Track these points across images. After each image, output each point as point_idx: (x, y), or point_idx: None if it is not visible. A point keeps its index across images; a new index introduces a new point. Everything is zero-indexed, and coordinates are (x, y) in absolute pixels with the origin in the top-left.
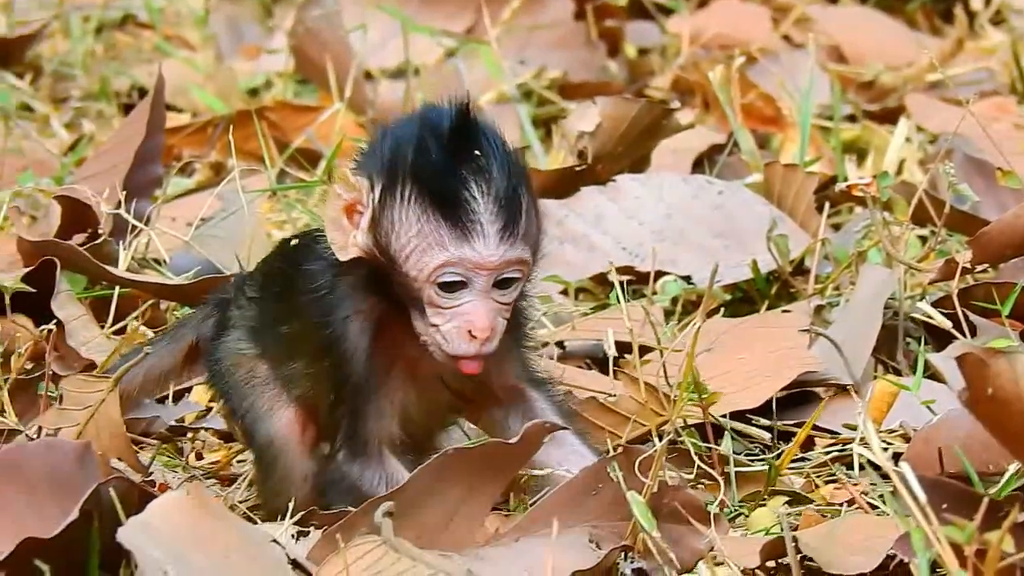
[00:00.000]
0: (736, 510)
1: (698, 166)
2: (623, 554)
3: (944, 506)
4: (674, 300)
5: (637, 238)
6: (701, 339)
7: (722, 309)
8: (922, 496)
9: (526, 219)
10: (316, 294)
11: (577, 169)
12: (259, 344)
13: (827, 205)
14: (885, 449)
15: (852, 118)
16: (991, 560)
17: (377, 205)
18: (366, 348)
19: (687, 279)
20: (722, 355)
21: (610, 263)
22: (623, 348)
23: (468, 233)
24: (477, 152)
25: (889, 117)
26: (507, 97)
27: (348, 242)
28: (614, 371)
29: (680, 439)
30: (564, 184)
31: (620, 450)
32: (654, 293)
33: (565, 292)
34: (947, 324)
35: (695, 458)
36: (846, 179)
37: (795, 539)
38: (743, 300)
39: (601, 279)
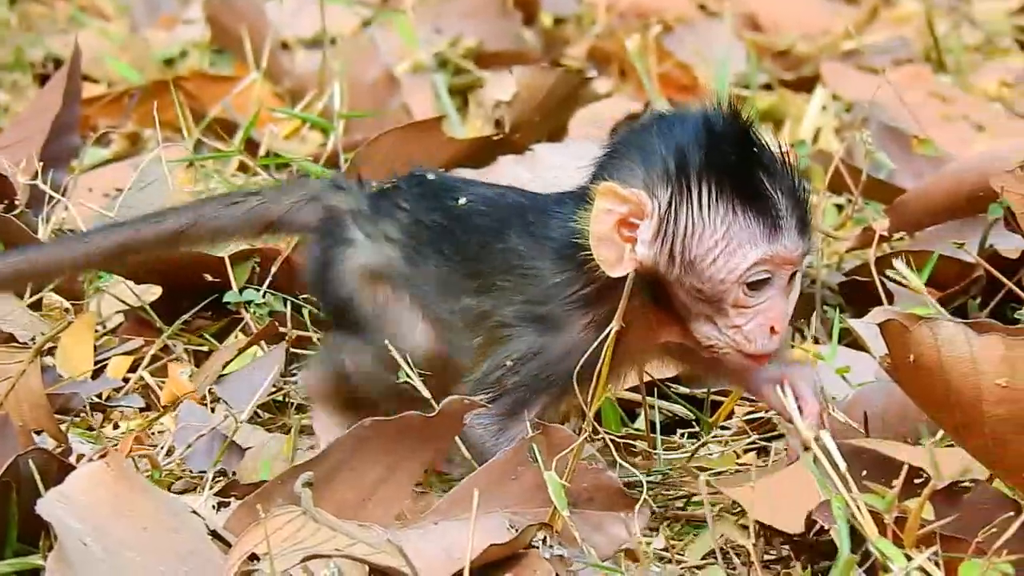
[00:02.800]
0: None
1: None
2: (543, 539)
3: (864, 473)
4: None
5: None
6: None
7: None
8: (842, 463)
9: (810, 210)
10: (543, 278)
11: (494, 138)
12: (414, 268)
13: None
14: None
15: (768, 87)
16: (910, 528)
17: (666, 213)
18: (583, 345)
19: None
20: None
21: None
22: None
23: (777, 228)
24: (758, 150)
25: (805, 85)
26: (423, 66)
27: (623, 256)
28: None
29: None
30: (481, 153)
31: (540, 431)
32: None
33: None
34: (921, 286)
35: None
36: None
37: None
38: None
39: None
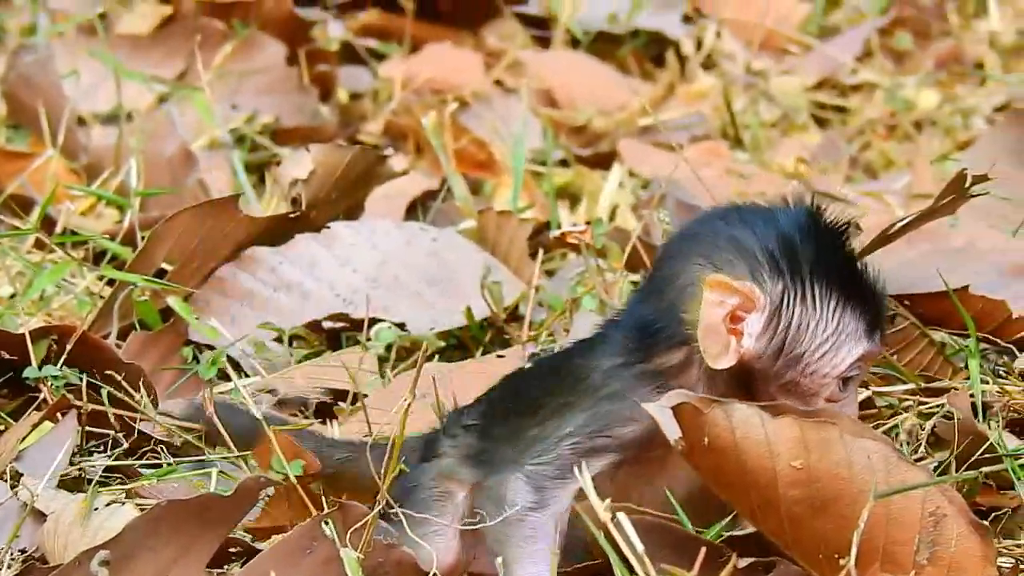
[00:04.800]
0: None
1: (412, 212)
2: None
3: (663, 552)
4: (388, 347)
5: (351, 285)
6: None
7: (436, 356)
8: (639, 544)
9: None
10: (607, 375)
11: (291, 216)
12: (477, 465)
13: (541, 251)
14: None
15: (564, 163)
16: None
17: (778, 306)
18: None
19: (401, 326)
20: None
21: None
22: (338, 395)
23: (876, 325)
24: (846, 247)
25: (602, 162)
26: (219, 143)
27: (729, 348)
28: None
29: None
30: (278, 231)
31: (336, 507)
32: (368, 340)
33: (279, 339)
34: None
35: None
36: (559, 225)
37: None
38: (457, 347)
39: (315, 326)
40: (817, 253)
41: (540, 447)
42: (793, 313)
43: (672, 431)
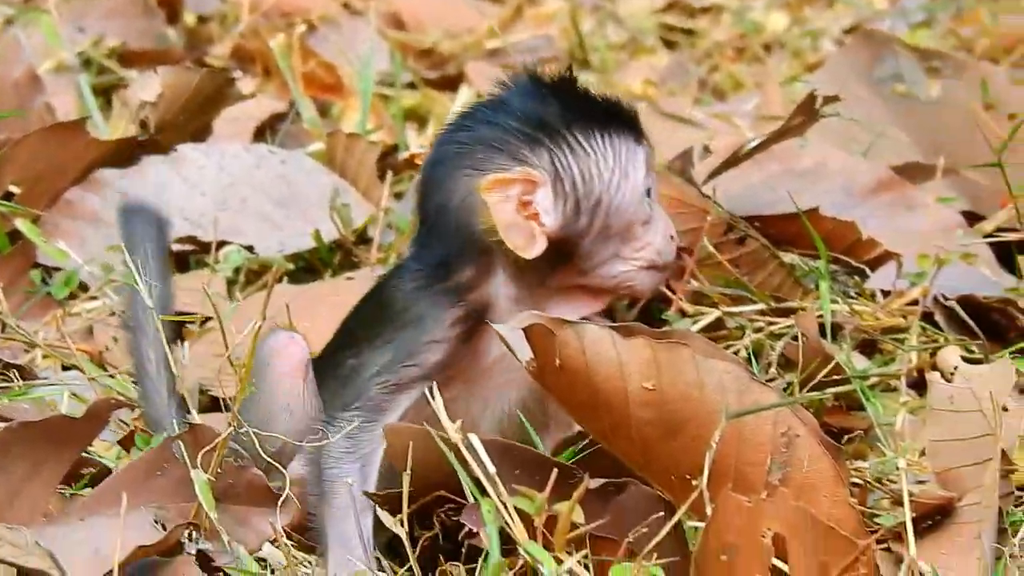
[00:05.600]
0: None
1: (260, 135)
2: (189, 534)
3: (516, 473)
4: (236, 270)
5: (200, 208)
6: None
7: (285, 278)
8: (491, 465)
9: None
10: (411, 290)
11: (139, 139)
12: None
13: (390, 174)
14: None
15: (412, 86)
16: (560, 531)
17: (554, 171)
18: (452, 338)
19: (250, 249)
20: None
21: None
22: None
23: (639, 132)
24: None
25: (449, 84)
26: (66, 66)
27: (535, 234)
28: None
29: None
30: (126, 154)
31: (187, 429)
32: (216, 262)
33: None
34: None
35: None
36: (408, 147)
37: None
38: (306, 269)
39: None
40: (556, 107)
41: (352, 390)
42: (571, 169)
43: (523, 352)
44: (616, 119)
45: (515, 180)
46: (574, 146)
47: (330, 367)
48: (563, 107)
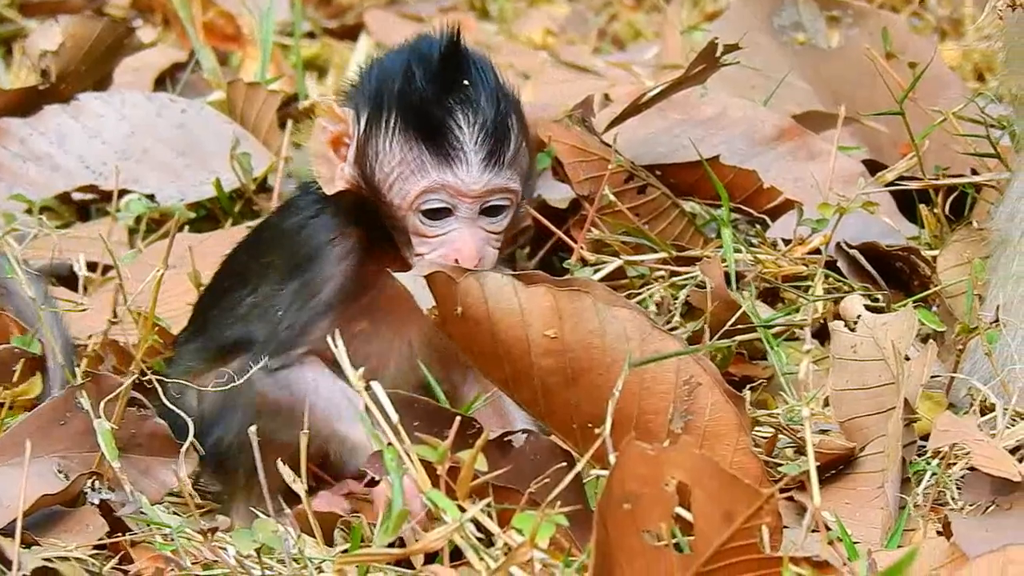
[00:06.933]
0: None
1: (160, 85)
2: (92, 484)
3: (417, 424)
4: (138, 219)
5: (101, 156)
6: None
7: (187, 227)
8: (394, 414)
9: (514, 147)
10: (297, 225)
11: (40, 88)
12: (209, 349)
13: (289, 123)
14: None
15: (312, 35)
16: (463, 479)
17: (362, 135)
18: (341, 272)
19: (151, 197)
20: (187, 270)
21: None
22: (89, 267)
23: (451, 160)
24: (465, 82)
25: (349, 34)
26: None
27: (335, 175)
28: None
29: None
30: (27, 103)
31: (89, 379)
32: (118, 211)
33: (30, 211)
34: None
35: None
36: (307, 96)
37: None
38: (207, 218)
39: (65, 198)
40: (403, 86)
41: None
42: (372, 143)
43: (424, 300)
44: (443, 133)
45: (339, 118)
46: (385, 127)
47: (225, 306)
48: (406, 88)
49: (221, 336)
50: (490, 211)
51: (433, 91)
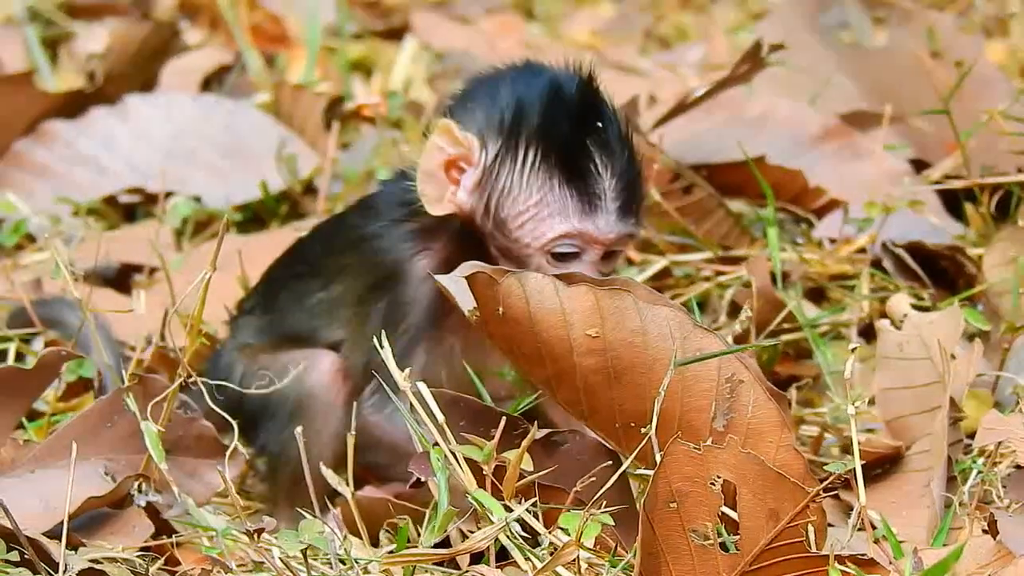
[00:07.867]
0: None
1: (207, 86)
2: (138, 486)
3: (462, 424)
4: (184, 221)
5: (147, 159)
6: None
7: (233, 229)
8: (439, 415)
9: (641, 196)
10: (376, 232)
11: (87, 91)
12: (272, 331)
13: (335, 124)
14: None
15: (359, 37)
16: (509, 479)
17: (491, 166)
18: (424, 295)
19: (197, 199)
20: (234, 273)
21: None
22: (136, 269)
23: (593, 207)
24: (601, 124)
25: (395, 35)
26: (14, 19)
27: (444, 196)
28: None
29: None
30: (74, 106)
31: (137, 381)
32: (164, 213)
33: (76, 214)
34: None
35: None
36: (354, 98)
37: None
38: (253, 220)
39: (112, 200)
40: (544, 121)
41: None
42: (503, 176)
43: (466, 302)
44: (582, 178)
45: (460, 142)
46: (520, 162)
47: (296, 292)
48: (549, 127)
49: (285, 323)
50: (610, 256)
51: (576, 132)
